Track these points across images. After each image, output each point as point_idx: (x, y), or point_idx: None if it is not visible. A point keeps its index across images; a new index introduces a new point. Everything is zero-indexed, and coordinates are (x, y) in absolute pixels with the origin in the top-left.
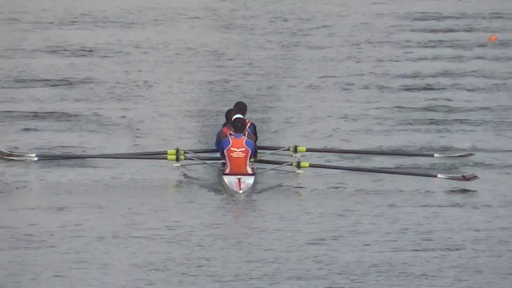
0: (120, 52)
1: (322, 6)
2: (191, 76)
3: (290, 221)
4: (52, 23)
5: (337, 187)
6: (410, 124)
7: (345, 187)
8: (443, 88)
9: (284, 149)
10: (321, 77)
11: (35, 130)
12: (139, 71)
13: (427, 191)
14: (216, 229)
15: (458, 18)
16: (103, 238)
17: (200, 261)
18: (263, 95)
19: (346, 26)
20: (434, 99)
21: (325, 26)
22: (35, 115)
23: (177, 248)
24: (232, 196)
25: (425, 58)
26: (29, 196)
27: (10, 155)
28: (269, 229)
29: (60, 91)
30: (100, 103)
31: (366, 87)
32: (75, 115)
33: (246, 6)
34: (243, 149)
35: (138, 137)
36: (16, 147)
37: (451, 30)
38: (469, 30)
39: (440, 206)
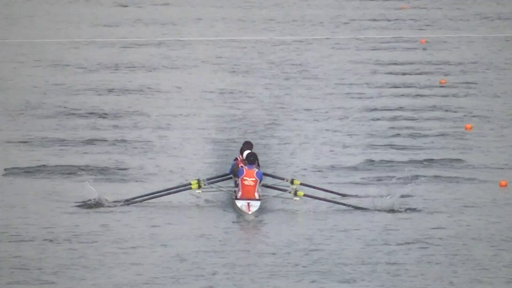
0: (157, 91)
1: (310, 55)
2: (207, 111)
3: (288, 236)
4: (98, 68)
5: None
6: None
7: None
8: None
9: (284, 180)
10: (308, 109)
11: (91, 153)
12: (169, 106)
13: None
14: (229, 241)
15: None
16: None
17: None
18: (266, 125)
19: (329, 70)
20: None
21: (312, 69)
22: (89, 142)
23: (204, 242)
24: (242, 216)
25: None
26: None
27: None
28: (270, 240)
29: (100, 121)
30: (143, 131)
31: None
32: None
33: (248, 55)
34: (254, 178)
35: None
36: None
37: (409, 74)
38: (423, 73)
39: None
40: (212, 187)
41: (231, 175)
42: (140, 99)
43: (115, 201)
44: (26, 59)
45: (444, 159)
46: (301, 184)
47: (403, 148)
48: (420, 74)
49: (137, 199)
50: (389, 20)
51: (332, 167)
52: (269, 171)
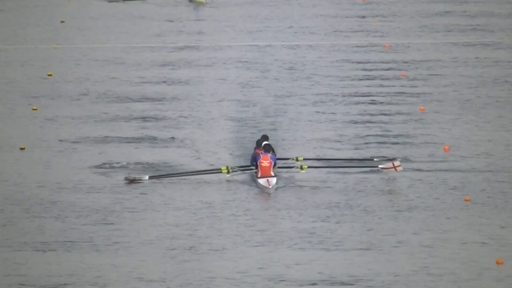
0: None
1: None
2: (232, 96)
3: (298, 202)
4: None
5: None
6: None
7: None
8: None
9: (291, 159)
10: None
11: (127, 149)
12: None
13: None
14: (253, 208)
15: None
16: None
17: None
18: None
19: (320, 67)
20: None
21: (308, 68)
22: (131, 140)
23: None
24: (263, 190)
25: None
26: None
27: (134, 179)
28: (284, 206)
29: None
30: (174, 129)
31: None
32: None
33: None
34: (268, 161)
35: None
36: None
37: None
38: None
39: None
40: (238, 172)
41: (252, 167)
42: (183, 88)
43: (159, 176)
44: (92, 59)
45: (402, 132)
46: (303, 159)
47: (373, 122)
48: (387, 69)
49: (176, 175)
50: (362, 31)
51: (326, 139)
52: (279, 146)
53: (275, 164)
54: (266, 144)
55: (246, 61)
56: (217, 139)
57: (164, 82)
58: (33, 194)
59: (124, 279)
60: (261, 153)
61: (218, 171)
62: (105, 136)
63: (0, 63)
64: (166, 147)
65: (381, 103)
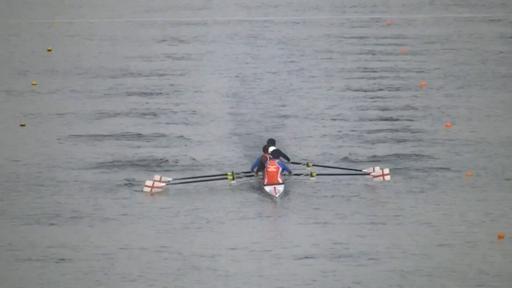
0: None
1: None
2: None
3: (307, 211)
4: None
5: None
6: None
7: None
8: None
9: (302, 163)
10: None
11: (129, 146)
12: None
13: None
14: (260, 219)
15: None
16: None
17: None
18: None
19: (319, 38)
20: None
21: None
22: (136, 136)
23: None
24: (271, 198)
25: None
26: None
27: (153, 186)
28: (294, 216)
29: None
30: (179, 128)
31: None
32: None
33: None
34: (275, 166)
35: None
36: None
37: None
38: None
39: None
40: (243, 178)
41: (253, 173)
42: (184, 63)
43: (167, 181)
44: (93, 35)
45: (401, 105)
46: (313, 165)
47: (375, 97)
48: (387, 45)
49: (181, 181)
50: (364, 7)
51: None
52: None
53: (288, 171)
54: (274, 150)
55: (243, 37)
56: (218, 114)
57: (162, 56)
58: (33, 170)
59: (126, 247)
60: (269, 157)
61: (224, 177)
62: (100, 112)
63: (2, 38)
64: (168, 124)
65: (382, 78)
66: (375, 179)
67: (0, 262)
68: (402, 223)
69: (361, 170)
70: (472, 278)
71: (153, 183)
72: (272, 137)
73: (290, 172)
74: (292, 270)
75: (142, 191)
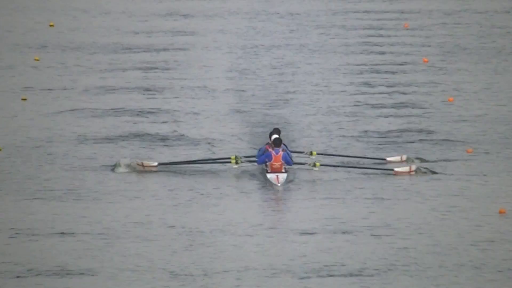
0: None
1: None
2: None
3: (309, 201)
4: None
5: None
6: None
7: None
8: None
9: (304, 152)
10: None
11: (132, 145)
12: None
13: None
14: (261, 207)
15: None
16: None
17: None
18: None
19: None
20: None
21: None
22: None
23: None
24: (272, 186)
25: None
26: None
27: (142, 165)
28: (294, 204)
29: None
30: (181, 124)
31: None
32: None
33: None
34: (280, 163)
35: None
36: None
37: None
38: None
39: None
40: (246, 162)
41: (256, 161)
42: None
43: (166, 163)
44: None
45: (404, 81)
46: (317, 154)
47: (379, 72)
48: (390, 19)
49: (182, 163)
50: None
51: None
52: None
53: (289, 164)
54: (276, 138)
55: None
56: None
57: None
58: (36, 144)
59: (129, 229)
60: (272, 149)
61: (227, 160)
62: (109, 86)
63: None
64: (176, 96)
65: (385, 53)
66: (398, 176)
67: None
68: (403, 200)
69: (385, 159)
70: (472, 255)
71: (144, 164)
72: (277, 122)
73: (291, 164)
74: (293, 246)
75: (135, 169)
